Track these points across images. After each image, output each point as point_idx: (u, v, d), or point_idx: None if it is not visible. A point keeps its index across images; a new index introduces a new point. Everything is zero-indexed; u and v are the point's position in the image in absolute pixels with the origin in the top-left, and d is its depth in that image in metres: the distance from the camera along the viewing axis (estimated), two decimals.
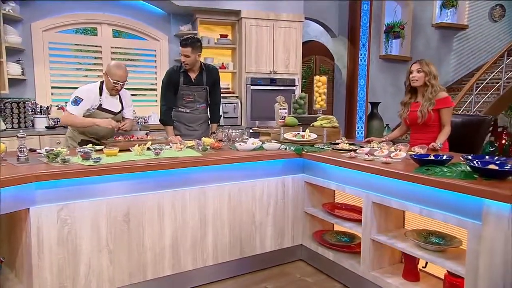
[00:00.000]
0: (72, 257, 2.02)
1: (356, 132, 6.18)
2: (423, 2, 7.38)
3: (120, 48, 4.85)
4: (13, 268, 2.16)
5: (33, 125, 4.25)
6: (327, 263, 2.68)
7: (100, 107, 2.90)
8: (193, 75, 3.29)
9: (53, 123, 4.30)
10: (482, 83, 6.69)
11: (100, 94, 2.90)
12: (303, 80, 6.41)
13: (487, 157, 2.04)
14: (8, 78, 3.95)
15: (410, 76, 2.91)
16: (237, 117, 4.89)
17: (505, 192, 1.55)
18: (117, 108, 3.01)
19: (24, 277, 2.01)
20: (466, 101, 6.56)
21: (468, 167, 1.86)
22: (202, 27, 4.92)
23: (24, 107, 4.14)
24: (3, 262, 2.18)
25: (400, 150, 2.43)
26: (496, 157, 1.99)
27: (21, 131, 2.13)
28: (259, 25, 4.87)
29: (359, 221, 2.43)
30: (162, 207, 2.30)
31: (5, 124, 3.93)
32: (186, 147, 2.66)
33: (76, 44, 4.65)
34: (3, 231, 2.24)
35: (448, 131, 2.80)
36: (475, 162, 1.82)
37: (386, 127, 6.88)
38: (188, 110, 3.32)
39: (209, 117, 3.47)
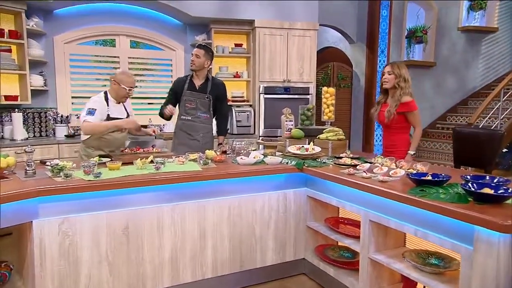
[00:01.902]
0: (73, 269, 2.12)
1: (374, 140, 6.08)
2: (448, 5, 7.15)
3: (137, 58, 5.02)
4: (21, 276, 2.29)
5: (54, 133, 4.47)
6: (328, 279, 2.66)
7: (108, 118, 2.98)
8: (197, 83, 3.40)
9: (72, 132, 4.51)
10: None
11: (107, 105, 2.98)
12: (320, 87, 6.36)
13: (487, 177, 1.98)
14: (31, 89, 4.18)
15: (382, 78, 3.10)
16: (250, 126, 4.93)
17: (494, 220, 1.51)
18: (123, 115, 3.09)
19: (29, 286, 2.13)
20: (494, 108, 6.30)
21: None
22: (217, 36, 5.01)
23: (46, 117, 4.36)
24: (12, 270, 2.32)
25: (401, 167, 2.39)
26: (497, 178, 1.93)
27: (29, 146, 2.25)
28: (273, 34, 4.90)
29: (359, 238, 2.41)
30: (161, 221, 2.37)
31: (28, 133, 4.15)
32: (189, 160, 2.73)
33: (95, 56, 4.85)
34: (14, 240, 2.38)
35: (418, 133, 3.03)
36: (469, 184, 1.77)
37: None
38: (189, 118, 3.39)
39: (213, 130, 3.53)
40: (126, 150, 2.87)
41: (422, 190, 1.91)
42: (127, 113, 3.15)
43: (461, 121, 7.04)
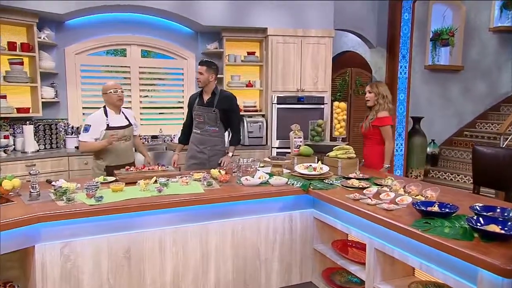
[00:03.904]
0: None
1: (395, 150, 6.01)
2: (478, 5, 7.00)
3: (148, 67, 5.16)
4: None
5: (64, 145, 4.66)
6: None
7: (108, 128, 3.30)
8: (206, 97, 3.60)
9: None
10: None
11: (106, 116, 3.33)
12: (338, 94, 6.35)
13: (498, 209, 1.96)
14: (42, 101, 4.37)
15: (365, 96, 3.67)
16: (262, 137, 4.98)
17: (497, 263, 1.50)
18: (123, 123, 3.41)
19: None
20: None
21: None
22: (229, 44, 5.09)
23: (56, 128, 4.54)
24: None
25: (409, 193, 2.39)
26: (507, 211, 1.91)
27: (33, 169, 2.38)
28: (286, 42, 4.93)
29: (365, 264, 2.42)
30: (163, 244, 2.45)
31: (38, 145, 4.34)
32: (193, 180, 2.81)
33: (106, 66, 5.02)
34: (21, 255, 2.52)
35: (388, 146, 3.48)
36: (473, 220, 1.77)
37: (432, 143, 6.62)
38: (199, 131, 3.62)
39: (224, 142, 3.71)
40: (131, 169, 2.97)
41: (427, 222, 1.91)
42: (129, 122, 3.46)
43: (491, 129, 6.87)
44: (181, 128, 3.88)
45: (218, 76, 4.94)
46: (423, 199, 2.26)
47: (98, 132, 3.26)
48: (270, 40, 4.91)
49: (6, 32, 4.22)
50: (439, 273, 1.86)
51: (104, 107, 3.38)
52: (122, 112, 3.45)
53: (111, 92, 3.31)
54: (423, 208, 2.02)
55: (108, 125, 3.30)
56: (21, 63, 4.26)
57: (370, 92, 3.58)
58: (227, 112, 3.58)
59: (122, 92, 3.38)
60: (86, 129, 3.26)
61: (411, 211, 2.12)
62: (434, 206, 2.03)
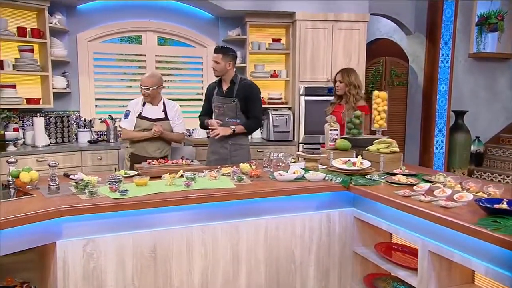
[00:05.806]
0: None
1: (435, 147, 5.90)
2: None
3: (165, 56, 5.17)
4: None
5: (76, 139, 4.70)
6: None
7: (139, 116, 3.52)
8: (225, 87, 3.60)
9: (96, 137, 4.72)
10: None
11: (143, 105, 3.53)
12: (371, 86, 6.27)
13: None
14: (53, 92, 4.42)
15: (335, 85, 3.71)
16: (288, 132, 4.94)
17: None
18: (156, 116, 3.53)
19: None
20: None
21: None
22: (252, 31, 5.07)
23: (68, 121, 4.58)
24: None
25: (468, 190, 2.31)
26: None
27: (52, 160, 2.39)
28: (315, 28, 4.89)
29: (416, 269, 2.36)
30: (191, 243, 2.43)
31: (49, 139, 4.39)
32: (221, 175, 2.79)
33: (120, 54, 5.06)
34: (36, 255, 2.54)
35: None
36: None
37: (476, 140, 6.47)
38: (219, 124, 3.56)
39: (247, 136, 3.73)
40: (153, 162, 2.97)
41: (496, 221, 1.84)
42: (166, 116, 3.57)
43: None
44: (200, 117, 3.76)
45: (241, 65, 4.98)
46: (485, 196, 2.19)
47: (134, 119, 3.48)
48: (297, 26, 4.87)
49: (16, 16, 4.27)
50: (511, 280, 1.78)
51: None
52: (163, 104, 3.58)
53: (140, 86, 3.47)
54: (488, 205, 1.95)
55: (140, 113, 3.50)
56: (31, 51, 4.32)
57: (341, 82, 3.64)
58: (246, 100, 3.53)
59: (147, 90, 3.42)
60: (126, 115, 3.49)
61: (473, 209, 2.05)
62: (503, 204, 1.95)
